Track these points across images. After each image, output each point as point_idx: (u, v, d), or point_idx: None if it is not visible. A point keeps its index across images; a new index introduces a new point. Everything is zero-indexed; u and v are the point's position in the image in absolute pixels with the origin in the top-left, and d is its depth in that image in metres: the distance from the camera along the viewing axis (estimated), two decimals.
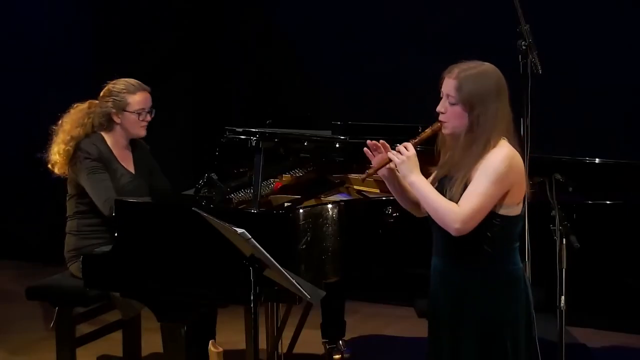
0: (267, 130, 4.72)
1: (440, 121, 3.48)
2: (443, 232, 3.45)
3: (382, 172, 3.55)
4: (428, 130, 3.51)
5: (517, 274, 3.49)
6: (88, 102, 4.88)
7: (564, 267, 4.06)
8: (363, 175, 3.61)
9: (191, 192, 4.74)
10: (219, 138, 4.75)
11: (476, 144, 3.40)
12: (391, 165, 3.51)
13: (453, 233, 3.38)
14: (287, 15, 6.97)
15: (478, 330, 3.47)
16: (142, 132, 4.89)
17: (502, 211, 3.42)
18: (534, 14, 4.08)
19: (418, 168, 3.45)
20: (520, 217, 3.49)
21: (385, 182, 3.61)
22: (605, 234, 4.49)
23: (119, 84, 4.86)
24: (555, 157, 4.63)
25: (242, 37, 7.18)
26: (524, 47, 3.80)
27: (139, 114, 4.83)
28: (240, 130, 4.64)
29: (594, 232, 4.43)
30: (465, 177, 3.40)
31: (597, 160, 4.66)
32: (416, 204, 3.60)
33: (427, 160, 3.59)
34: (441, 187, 3.47)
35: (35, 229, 7.63)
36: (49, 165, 4.86)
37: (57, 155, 4.81)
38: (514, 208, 3.44)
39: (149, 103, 4.87)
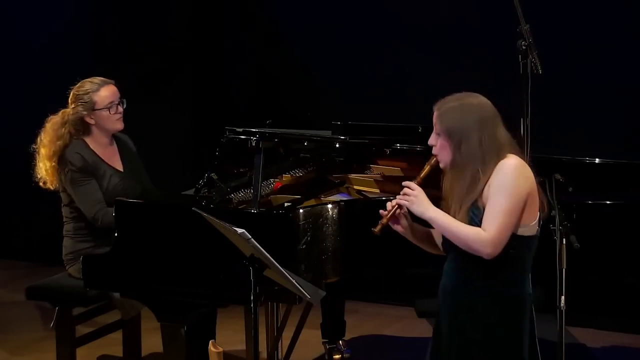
0: (267, 130, 4.72)
1: (434, 155, 3.49)
2: (456, 253, 3.43)
3: (397, 227, 3.53)
4: (426, 167, 3.51)
5: (523, 298, 3.46)
6: (61, 112, 4.86)
7: (564, 267, 4.05)
8: (377, 228, 3.53)
9: (191, 192, 4.74)
10: (219, 138, 4.75)
11: (464, 175, 3.38)
12: (402, 211, 3.49)
13: (486, 257, 3.34)
14: (288, 16, 6.97)
15: (480, 351, 3.45)
16: (119, 125, 4.87)
17: (519, 231, 3.38)
18: (534, 14, 4.08)
19: (430, 203, 3.44)
20: (535, 238, 3.45)
21: (406, 236, 3.59)
22: (605, 234, 4.48)
23: (83, 86, 4.84)
24: (556, 157, 4.63)
25: (243, 37, 7.18)
26: (524, 47, 3.80)
27: (109, 108, 4.81)
28: (240, 130, 4.64)
29: (594, 232, 4.42)
30: (466, 203, 3.36)
31: (597, 160, 4.65)
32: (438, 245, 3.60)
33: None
34: None
35: (35, 229, 7.62)
36: (40, 183, 4.86)
37: (44, 172, 4.83)
38: (529, 227, 3.40)
39: (117, 95, 4.86)
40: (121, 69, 5.27)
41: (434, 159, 3.48)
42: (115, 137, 4.95)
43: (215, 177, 4.66)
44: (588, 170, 4.67)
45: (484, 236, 3.32)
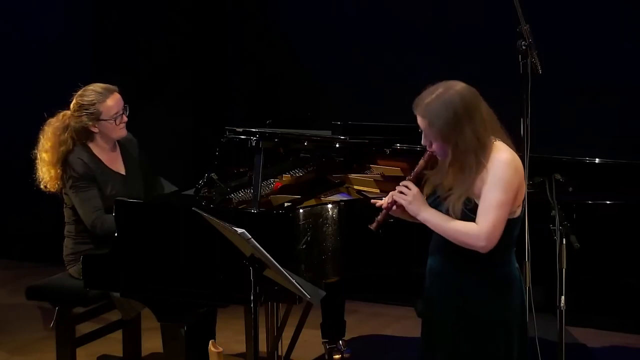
0: (267, 130, 4.72)
1: (430, 151, 3.50)
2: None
3: (395, 212, 3.58)
4: (421, 162, 3.54)
5: (512, 276, 3.49)
6: (61, 115, 4.81)
7: (564, 267, 4.06)
8: (374, 225, 3.62)
9: (191, 192, 4.74)
10: (219, 138, 4.75)
11: (467, 165, 3.40)
12: (395, 211, 3.55)
13: (481, 251, 3.38)
14: (288, 15, 6.97)
15: (471, 331, 3.47)
16: (123, 133, 4.86)
17: None
18: (534, 14, 4.08)
19: (425, 203, 3.48)
20: (519, 220, 3.50)
21: (401, 215, 3.63)
22: (605, 234, 4.49)
23: (87, 96, 4.77)
24: (555, 157, 4.63)
25: (243, 37, 7.18)
26: (524, 47, 3.79)
27: (115, 119, 4.78)
28: (240, 130, 4.64)
29: (594, 232, 4.43)
30: (467, 192, 3.40)
31: (597, 160, 4.66)
32: None
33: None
34: (435, 203, 3.48)
35: (35, 229, 7.62)
36: (42, 186, 4.81)
37: (48, 177, 4.77)
38: (515, 211, 3.45)
39: (121, 104, 4.81)
40: (121, 69, 5.26)
41: (428, 154, 3.51)
42: (119, 141, 4.94)
43: (215, 177, 4.66)
44: (588, 170, 4.67)
45: (477, 230, 3.36)
